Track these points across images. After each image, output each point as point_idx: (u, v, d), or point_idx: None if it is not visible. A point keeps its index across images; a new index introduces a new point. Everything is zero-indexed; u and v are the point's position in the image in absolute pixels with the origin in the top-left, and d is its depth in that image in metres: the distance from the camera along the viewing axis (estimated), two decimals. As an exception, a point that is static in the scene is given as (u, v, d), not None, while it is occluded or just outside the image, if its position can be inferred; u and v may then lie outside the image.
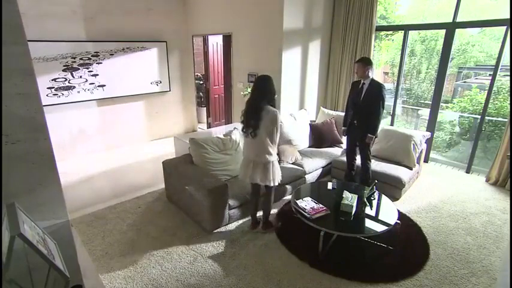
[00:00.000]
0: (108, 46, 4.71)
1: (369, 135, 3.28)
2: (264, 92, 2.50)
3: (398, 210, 2.75)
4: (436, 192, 3.72)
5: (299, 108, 4.80)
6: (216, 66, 5.88)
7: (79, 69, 4.51)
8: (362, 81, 3.30)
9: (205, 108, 6.23)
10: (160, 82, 5.48)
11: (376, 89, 3.21)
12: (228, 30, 4.86)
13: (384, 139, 3.92)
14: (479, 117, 4.24)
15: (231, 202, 2.90)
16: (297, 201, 2.77)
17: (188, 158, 3.29)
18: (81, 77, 4.55)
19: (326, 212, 2.62)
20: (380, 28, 4.82)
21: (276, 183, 2.67)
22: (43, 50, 4.12)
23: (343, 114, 4.49)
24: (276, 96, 2.57)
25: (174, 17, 5.43)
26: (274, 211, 3.23)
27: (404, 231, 2.87)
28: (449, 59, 4.20)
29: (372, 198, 2.91)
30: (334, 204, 2.75)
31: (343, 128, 3.63)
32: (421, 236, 2.87)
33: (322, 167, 3.92)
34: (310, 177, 3.77)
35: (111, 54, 4.76)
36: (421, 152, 3.87)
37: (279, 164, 2.95)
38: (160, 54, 5.33)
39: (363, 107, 3.30)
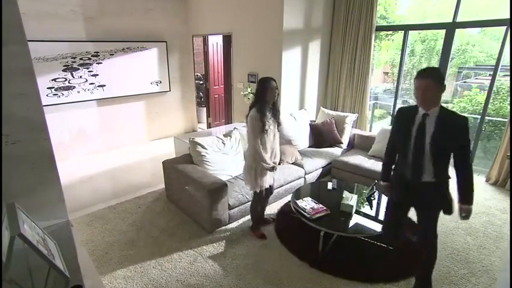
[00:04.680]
0: (108, 46, 4.71)
1: (464, 206, 1.98)
2: (256, 94, 2.51)
3: (398, 210, 2.74)
4: (436, 192, 3.72)
5: (299, 108, 4.80)
6: (216, 66, 5.88)
7: (79, 69, 4.51)
8: (423, 111, 1.88)
9: (205, 108, 6.23)
10: (160, 82, 5.47)
11: (457, 125, 1.84)
12: (228, 30, 4.86)
13: (384, 139, 3.90)
14: (479, 117, 4.24)
15: (230, 202, 2.90)
16: (297, 201, 2.76)
17: (188, 158, 3.29)
18: (81, 77, 4.55)
19: (326, 212, 2.62)
20: (380, 28, 4.81)
21: (253, 189, 2.65)
22: (43, 50, 4.11)
23: (343, 114, 4.48)
24: (266, 97, 2.41)
25: (174, 17, 5.43)
26: (274, 211, 3.24)
27: (404, 231, 2.87)
28: (449, 59, 4.20)
29: (372, 198, 2.91)
30: (334, 204, 2.75)
31: (381, 183, 2.23)
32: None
33: (322, 167, 3.92)
34: (310, 177, 3.77)
35: (111, 54, 4.76)
36: (421, 152, 3.83)
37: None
38: (160, 54, 5.33)
39: (433, 153, 1.90)
